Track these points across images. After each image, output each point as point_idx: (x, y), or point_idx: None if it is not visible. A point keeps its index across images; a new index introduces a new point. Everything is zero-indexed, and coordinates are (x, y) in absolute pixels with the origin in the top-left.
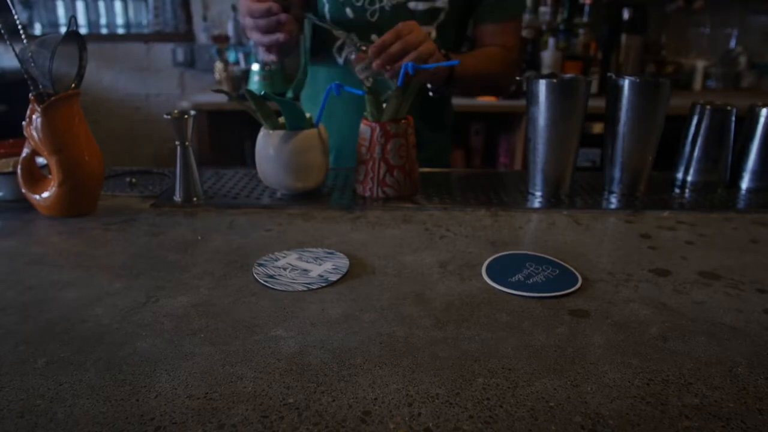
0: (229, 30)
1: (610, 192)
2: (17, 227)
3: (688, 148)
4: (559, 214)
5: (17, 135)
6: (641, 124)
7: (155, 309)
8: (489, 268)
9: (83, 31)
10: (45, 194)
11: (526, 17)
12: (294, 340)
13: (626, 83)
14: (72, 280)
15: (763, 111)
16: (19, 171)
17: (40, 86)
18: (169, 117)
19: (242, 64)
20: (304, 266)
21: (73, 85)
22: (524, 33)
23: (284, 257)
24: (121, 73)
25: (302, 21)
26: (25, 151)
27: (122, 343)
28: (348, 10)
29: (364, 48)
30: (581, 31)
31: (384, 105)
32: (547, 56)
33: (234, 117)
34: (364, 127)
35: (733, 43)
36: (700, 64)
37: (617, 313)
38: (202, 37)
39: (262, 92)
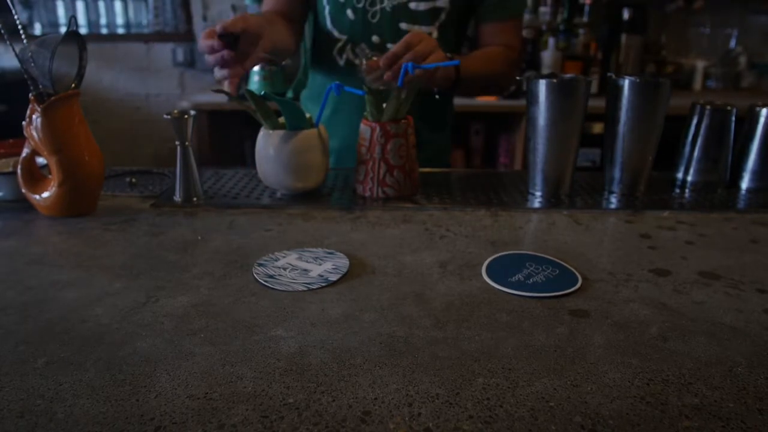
0: None
1: (610, 192)
2: (17, 227)
3: (688, 148)
4: (559, 214)
5: (17, 135)
6: (641, 124)
7: (155, 309)
8: (489, 268)
9: (83, 31)
10: (45, 194)
11: (526, 17)
12: (294, 340)
13: (626, 83)
14: (72, 280)
15: (763, 111)
16: (19, 171)
17: (40, 86)
18: (169, 117)
19: None
20: (304, 266)
21: (73, 85)
22: (524, 33)
23: (284, 257)
24: (121, 73)
25: (248, 58)
26: (25, 151)
27: (122, 343)
28: (349, 12)
29: (374, 58)
30: (581, 31)
31: (384, 105)
32: (547, 56)
33: (234, 117)
34: (364, 127)
35: (733, 43)
36: (700, 64)
37: (617, 313)
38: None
39: (262, 92)
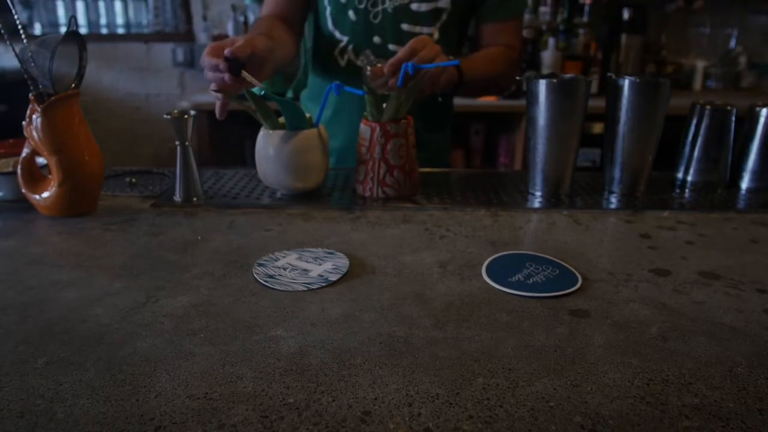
0: (229, 30)
1: (610, 192)
2: (17, 227)
3: (688, 148)
4: (559, 214)
5: (17, 135)
6: (641, 124)
7: (155, 309)
8: (489, 268)
9: (83, 31)
10: (45, 194)
11: (526, 17)
12: (294, 340)
13: (626, 83)
14: (72, 280)
15: (763, 111)
16: (19, 171)
17: (40, 86)
18: (169, 117)
19: None
20: (304, 266)
21: (73, 85)
22: (524, 33)
23: (284, 257)
24: (121, 73)
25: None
26: (25, 151)
27: (122, 343)
28: (350, 13)
29: (379, 65)
30: (581, 31)
31: (384, 105)
32: (547, 56)
33: (234, 117)
34: (364, 127)
35: (733, 43)
36: (700, 64)
37: (617, 313)
38: (202, 37)
39: (262, 92)
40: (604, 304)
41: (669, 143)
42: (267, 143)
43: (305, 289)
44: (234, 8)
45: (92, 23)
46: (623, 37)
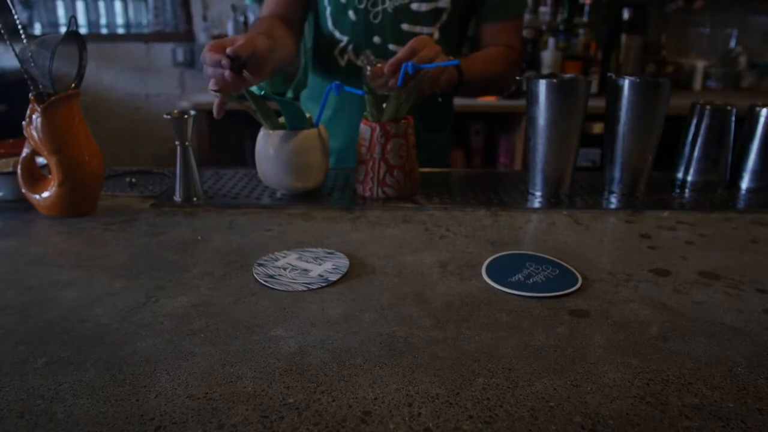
0: (229, 30)
1: (610, 192)
2: (17, 227)
3: (688, 148)
4: (559, 214)
5: (17, 135)
6: (641, 124)
7: (155, 309)
8: (489, 268)
9: (83, 31)
10: (45, 194)
11: (526, 17)
12: (294, 340)
13: (626, 83)
14: (72, 280)
15: (763, 111)
16: (19, 171)
17: (40, 86)
18: (169, 117)
19: None
20: (304, 266)
21: (73, 85)
22: (524, 33)
23: (284, 257)
24: (121, 73)
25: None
26: (25, 151)
27: (122, 343)
28: (350, 13)
29: (379, 65)
30: (581, 31)
31: (384, 105)
32: (547, 56)
33: (234, 117)
34: (364, 127)
35: (733, 43)
36: (700, 64)
37: (617, 313)
38: (202, 37)
39: (262, 92)
40: (604, 304)
41: (669, 143)
42: (267, 143)
43: (305, 289)
44: (234, 8)
45: (92, 23)
46: (623, 37)
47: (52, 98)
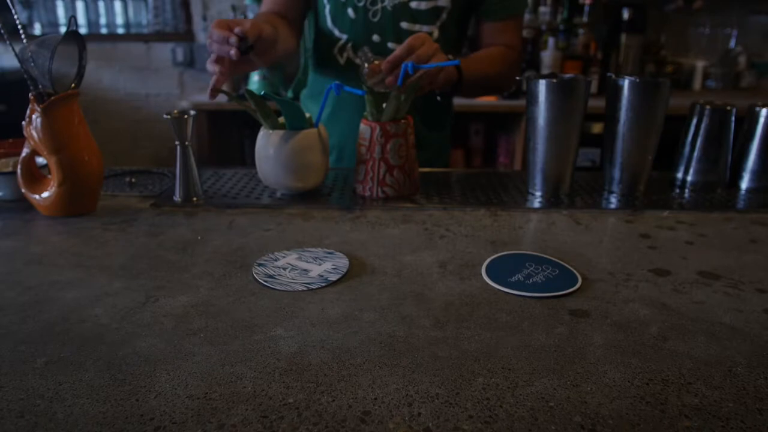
0: None
1: (610, 192)
2: (17, 227)
3: (687, 148)
4: (558, 213)
5: (17, 135)
6: (641, 124)
7: (155, 309)
8: (489, 268)
9: (83, 31)
10: (45, 194)
11: (526, 17)
12: (294, 340)
13: (626, 83)
14: (71, 280)
15: (763, 111)
16: (19, 171)
17: (40, 86)
18: (169, 117)
19: None
20: (303, 266)
21: (72, 85)
22: (524, 33)
23: (284, 257)
24: (121, 73)
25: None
26: (25, 151)
27: (122, 343)
28: (349, 11)
29: (376, 62)
30: (581, 31)
31: (384, 105)
32: (547, 56)
33: (234, 117)
34: (364, 127)
35: (732, 43)
36: (700, 64)
37: (617, 313)
38: (201, 37)
39: (262, 92)
40: (604, 304)
41: (669, 143)
42: (267, 143)
43: (305, 289)
44: (234, 8)
45: (92, 23)
46: (623, 37)
47: (52, 98)
